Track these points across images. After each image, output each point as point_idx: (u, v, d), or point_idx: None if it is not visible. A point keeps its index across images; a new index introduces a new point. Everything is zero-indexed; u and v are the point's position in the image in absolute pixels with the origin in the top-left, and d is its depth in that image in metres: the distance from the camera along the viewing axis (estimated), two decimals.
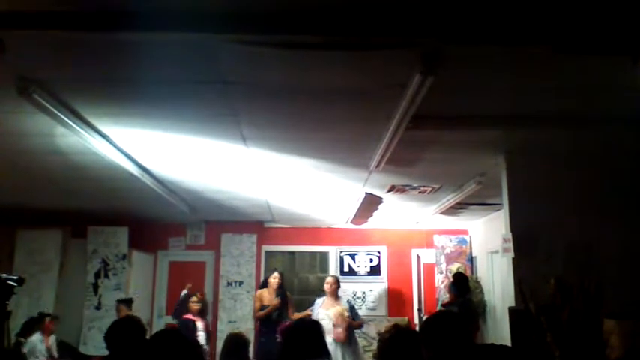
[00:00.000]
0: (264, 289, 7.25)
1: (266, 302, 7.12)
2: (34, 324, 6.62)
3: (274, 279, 7.20)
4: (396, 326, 2.59)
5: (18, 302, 6.66)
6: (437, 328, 2.33)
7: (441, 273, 9.08)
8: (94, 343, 7.67)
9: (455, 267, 9.10)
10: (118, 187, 6.28)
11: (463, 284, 6.91)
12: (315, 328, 2.80)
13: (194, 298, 7.32)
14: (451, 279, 7.60)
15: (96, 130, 4.24)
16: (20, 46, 2.84)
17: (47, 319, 6.94)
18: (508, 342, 4.36)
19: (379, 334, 3.05)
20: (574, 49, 2.51)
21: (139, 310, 7.83)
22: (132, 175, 5.42)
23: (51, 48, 2.91)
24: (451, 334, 2.27)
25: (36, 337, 6.71)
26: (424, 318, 5.73)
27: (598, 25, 2.47)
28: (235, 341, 3.84)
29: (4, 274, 3.69)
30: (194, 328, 6.88)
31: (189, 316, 7.06)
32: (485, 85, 3.39)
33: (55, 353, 6.88)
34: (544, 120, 3.98)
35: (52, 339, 6.98)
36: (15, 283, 3.72)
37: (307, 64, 3.04)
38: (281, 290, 7.17)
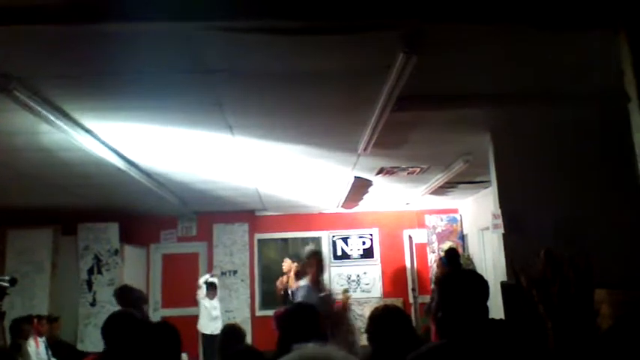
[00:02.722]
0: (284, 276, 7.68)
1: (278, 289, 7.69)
2: (21, 325, 6.56)
3: (284, 265, 7.72)
4: (386, 306, 2.62)
5: (12, 303, 6.63)
6: (457, 286, 2.24)
7: (434, 252, 9.15)
8: (91, 339, 7.68)
9: (447, 246, 9.17)
10: (106, 182, 6.25)
11: (455, 259, 7.02)
12: (310, 312, 2.81)
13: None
14: (442, 254, 7.72)
15: (80, 126, 4.20)
16: None
17: (35, 320, 6.90)
18: (501, 316, 4.42)
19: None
20: (554, 26, 2.51)
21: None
22: (119, 169, 5.39)
23: (31, 44, 2.87)
24: (470, 294, 2.18)
25: (31, 341, 6.69)
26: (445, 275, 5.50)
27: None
28: (232, 332, 3.87)
29: None
30: None
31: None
32: (469, 64, 3.39)
33: (45, 355, 6.84)
34: (529, 97, 3.99)
35: (41, 341, 6.94)
36: (7, 284, 3.72)
37: (289, 49, 3.03)
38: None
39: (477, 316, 2.09)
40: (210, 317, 8.08)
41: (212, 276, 8.54)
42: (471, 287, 2.16)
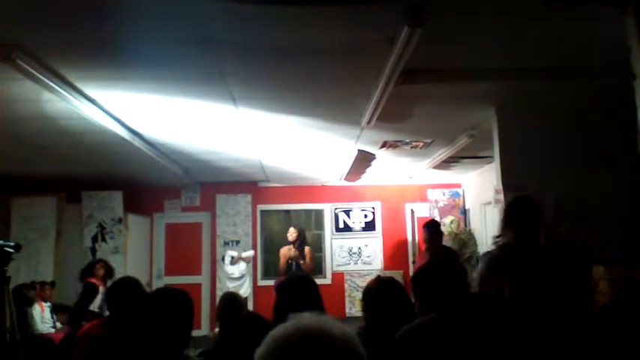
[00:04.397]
0: (286, 246, 7.58)
1: (285, 257, 7.50)
2: (24, 291, 6.65)
3: (290, 235, 7.59)
4: (378, 278, 2.67)
5: (17, 269, 6.71)
6: (429, 278, 2.35)
7: None
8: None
9: (449, 220, 9.22)
10: (109, 151, 6.26)
11: (437, 231, 6.07)
12: (308, 283, 2.84)
13: (98, 265, 7.41)
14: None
15: (83, 95, 4.20)
16: (1, 10, 2.79)
17: (38, 286, 7.01)
18: None
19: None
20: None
21: (139, 272, 7.92)
22: (123, 139, 5.39)
23: (32, 12, 2.86)
24: (443, 284, 2.29)
25: (37, 306, 6.81)
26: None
27: None
28: (230, 300, 3.93)
29: (1, 241, 3.72)
30: (95, 292, 7.03)
31: (93, 280, 7.18)
32: (475, 37, 3.36)
33: (50, 320, 6.97)
34: (534, 72, 3.96)
35: (46, 306, 7.06)
36: (12, 250, 3.76)
37: (293, 20, 3.00)
38: (299, 244, 7.48)
39: (456, 295, 2.18)
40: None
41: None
42: (442, 279, 2.28)
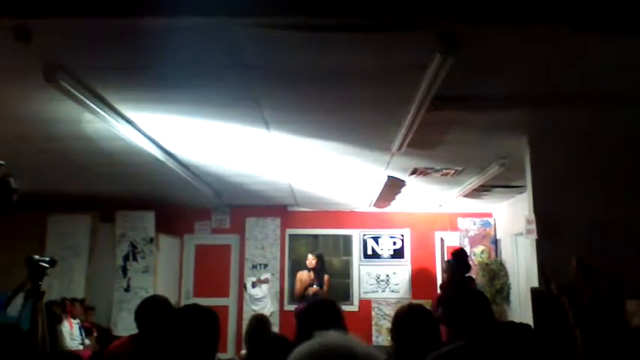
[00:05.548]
0: (304, 271, 7.60)
1: (303, 283, 7.65)
2: (54, 309, 6.77)
3: (308, 262, 7.73)
4: (410, 305, 2.66)
5: (50, 286, 6.86)
6: (460, 306, 2.36)
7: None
8: (124, 324, 7.87)
9: (479, 250, 9.08)
10: (144, 171, 6.40)
11: (464, 262, 6.14)
12: (331, 307, 2.82)
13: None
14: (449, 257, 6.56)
15: (121, 116, 4.33)
16: (46, 33, 2.92)
17: (68, 303, 7.12)
18: (530, 322, 4.36)
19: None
20: (592, 27, 2.47)
21: (168, 292, 8.00)
22: (157, 159, 5.52)
23: (77, 35, 2.99)
24: (474, 312, 2.29)
25: (65, 322, 6.93)
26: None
27: (617, 1, 2.43)
28: (258, 322, 3.96)
29: (37, 256, 3.80)
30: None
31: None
32: (507, 65, 3.37)
33: (79, 337, 7.07)
34: (567, 100, 3.93)
35: (75, 322, 7.17)
36: (47, 265, 3.84)
37: (325, 46, 3.06)
38: (319, 271, 7.52)
39: (485, 323, 2.17)
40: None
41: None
42: (473, 305, 2.28)
